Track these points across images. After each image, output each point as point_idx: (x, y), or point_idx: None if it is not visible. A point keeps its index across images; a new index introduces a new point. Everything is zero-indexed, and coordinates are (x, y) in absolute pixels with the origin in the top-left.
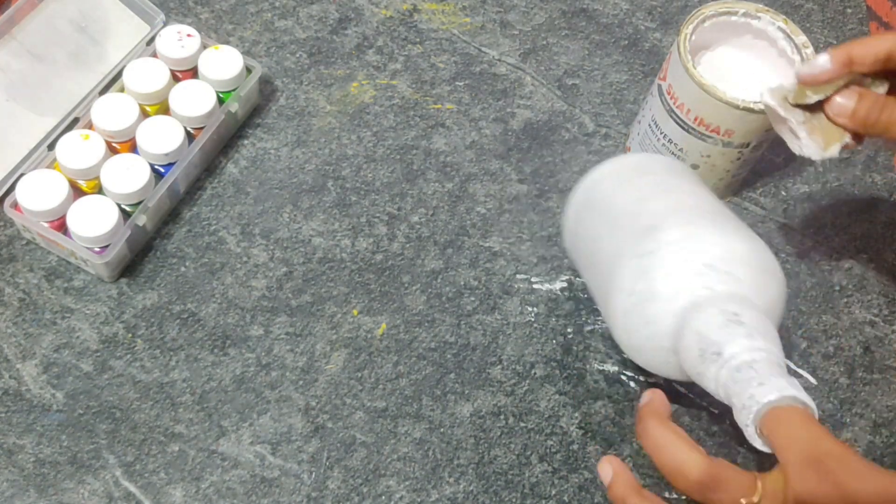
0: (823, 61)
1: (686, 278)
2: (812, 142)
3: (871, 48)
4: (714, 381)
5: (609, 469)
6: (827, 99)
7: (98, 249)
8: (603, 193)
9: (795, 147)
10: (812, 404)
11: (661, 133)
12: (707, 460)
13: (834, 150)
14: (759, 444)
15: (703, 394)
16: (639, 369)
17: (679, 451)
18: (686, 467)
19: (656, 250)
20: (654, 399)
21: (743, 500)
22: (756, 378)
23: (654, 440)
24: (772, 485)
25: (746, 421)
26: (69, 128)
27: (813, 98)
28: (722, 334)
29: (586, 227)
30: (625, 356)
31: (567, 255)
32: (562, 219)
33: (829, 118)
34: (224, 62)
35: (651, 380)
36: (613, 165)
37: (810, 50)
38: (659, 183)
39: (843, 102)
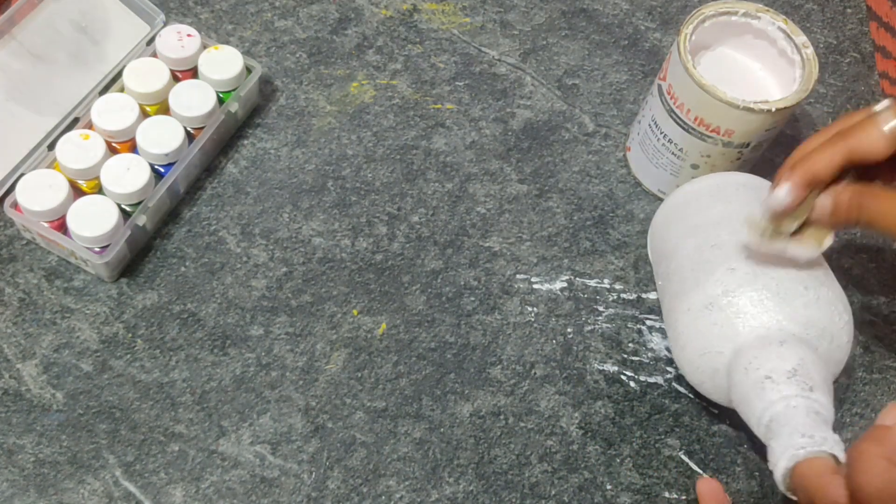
0: (785, 193)
1: (760, 318)
2: (804, 249)
3: (827, 162)
4: (758, 418)
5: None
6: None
7: (98, 249)
8: (699, 206)
9: (791, 255)
10: (837, 452)
11: (661, 133)
12: None
13: (828, 242)
14: (791, 496)
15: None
16: (638, 369)
17: None
18: None
19: (737, 289)
20: (708, 491)
21: None
22: (797, 428)
23: None
24: None
25: (776, 476)
26: (69, 128)
27: (791, 226)
28: (774, 370)
29: (672, 233)
30: (631, 358)
31: (650, 250)
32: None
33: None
34: (224, 62)
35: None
36: (721, 179)
37: (810, 50)
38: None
39: (820, 204)
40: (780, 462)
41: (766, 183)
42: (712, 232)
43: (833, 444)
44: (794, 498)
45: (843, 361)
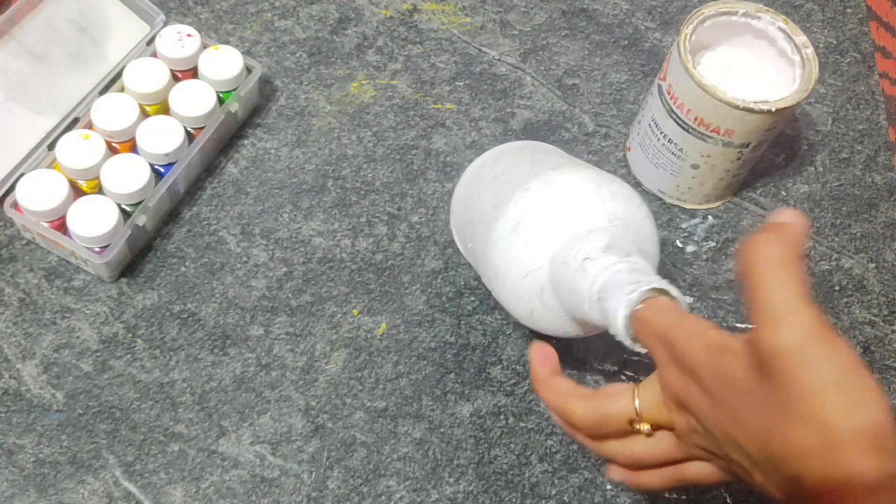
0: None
1: (555, 219)
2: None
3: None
4: (588, 299)
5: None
6: None
7: (98, 249)
8: (489, 168)
9: None
10: (678, 295)
11: (661, 133)
12: (584, 402)
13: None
14: (638, 348)
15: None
16: (638, 369)
17: (564, 406)
18: (573, 419)
19: (522, 201)
20: (540, 356)
21: (630, 424)
22: (625, 281)
23: (546, 402)
24: (650, 393)
25: (618, 328)
26: (69, 128)
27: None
28: (590, 251)
29: (471, 197)
30: (631, 358)
31: (454, 233)
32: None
33: None
34: (224, 62)
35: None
36: (502, 147)
37: (810, 50)
38: (522, 159)
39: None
40: (619, 313)
41: (545, 145)
42: (504, 176)
43: (662, 282)
44: (642, 349)
45: (656, 256)
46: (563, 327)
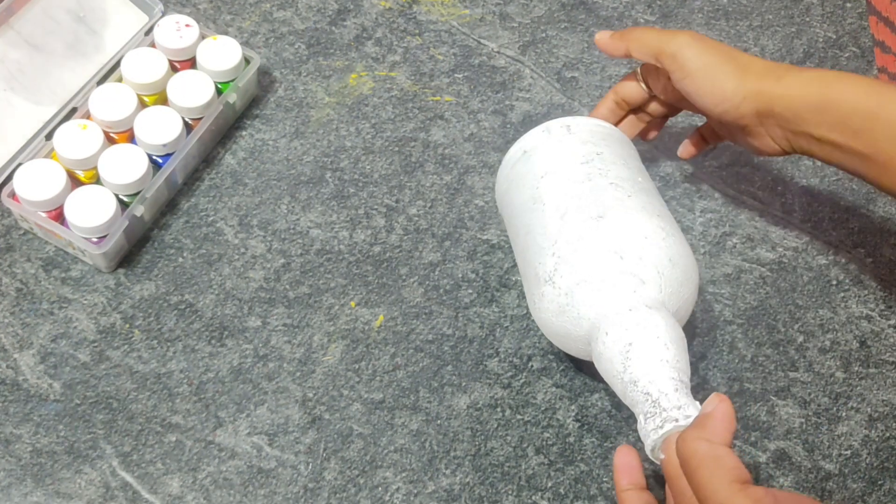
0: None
1: (606, 284)
2: None
3: (606, 102)
4: (620, 390)
5: (622, 460)
6: None
7: (95, 240)
8: (531, 168)
9: None
10: (672, 426)
11: None
12: None
13: None
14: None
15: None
16: None
17: None
18: None
19: (579, 249)
20: (623, 466)
21: None
22: (646, 413)
23: None
24: None
25: (646, 448)
26: (67, 118)
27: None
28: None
29: (513, 200)
30: None
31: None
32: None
33: None
34: (222, 53)
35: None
36: (547, 136)
37: None
38: (593, 168)
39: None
40: (648, 438)
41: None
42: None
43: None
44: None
45: (693, 301)
46: (580, 353)
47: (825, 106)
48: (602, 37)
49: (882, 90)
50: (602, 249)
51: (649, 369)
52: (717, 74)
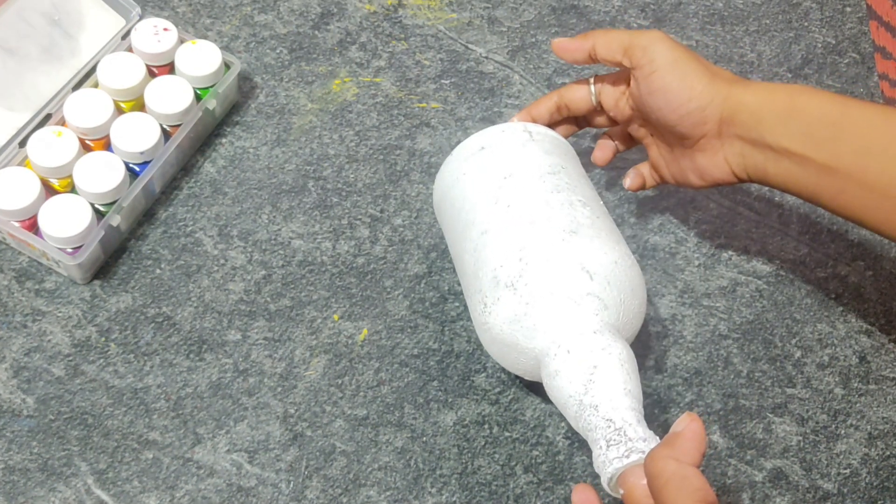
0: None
1: (571, 302)
2: None
3: (544, 101)
4: (575, 412)
5: (580, 497)
6: None
7: (70, 250)
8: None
9: None
10: (638, 457)
11: None
12: None
13: None
14: (618, 495)
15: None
16: None
17: None
18: None
19: (524, 272)
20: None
21: None
22: (608, 440)
23: None
24: None
25: (603, 477)
26: (41, 124)
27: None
28: (582, 382)
29: (449, 213)
30: None
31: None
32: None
33: None
34: (202, 57)
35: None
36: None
37: None
38: (523, 181)
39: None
40: (604, 469)
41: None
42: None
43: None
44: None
45: (641, 317)
46: (526, 374)
47: (791, 114)
48: (560, 41)
49: (849, 102)
50: (573, 266)
51: (612, 396)
52: (687, 71)
